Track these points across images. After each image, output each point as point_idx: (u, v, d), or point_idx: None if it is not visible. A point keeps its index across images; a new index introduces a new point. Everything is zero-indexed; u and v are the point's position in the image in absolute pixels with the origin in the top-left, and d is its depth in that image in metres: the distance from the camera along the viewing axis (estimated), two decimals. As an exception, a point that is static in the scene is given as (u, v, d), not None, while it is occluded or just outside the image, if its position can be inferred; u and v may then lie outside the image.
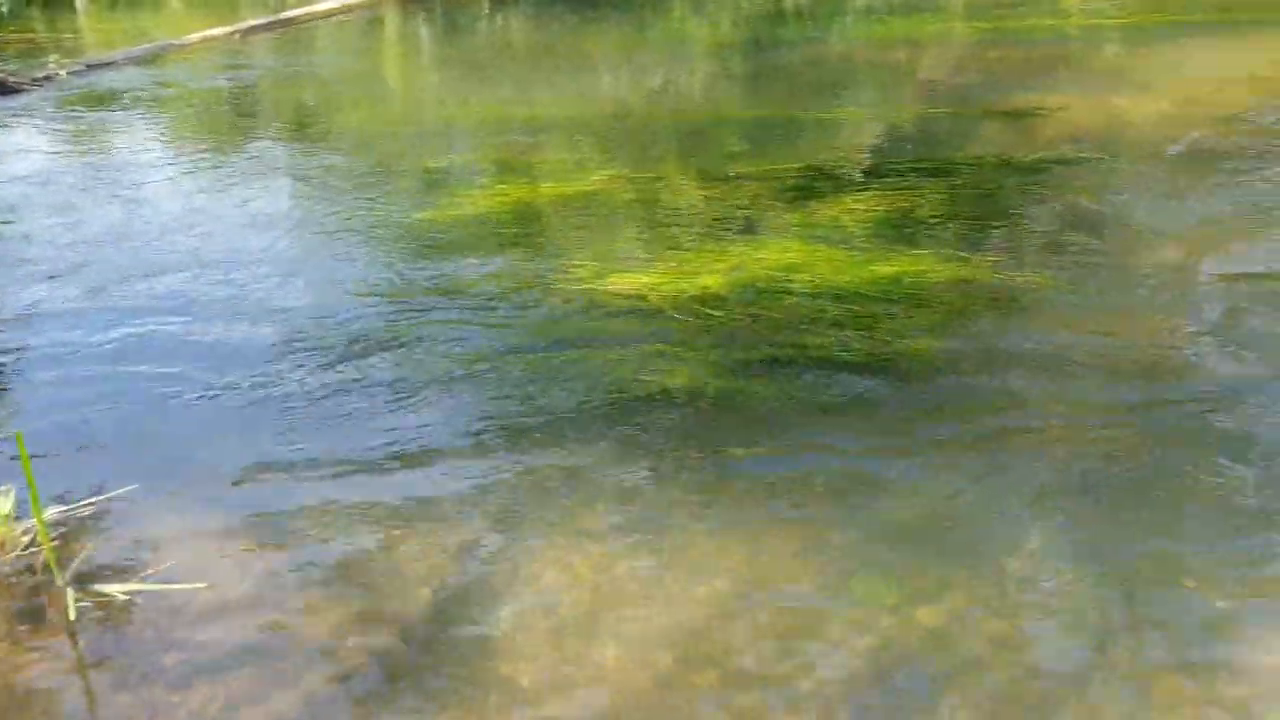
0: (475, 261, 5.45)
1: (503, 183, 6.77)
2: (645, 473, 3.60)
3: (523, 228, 5.97)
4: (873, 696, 2.67)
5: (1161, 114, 7.56)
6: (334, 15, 14.34)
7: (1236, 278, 4.79)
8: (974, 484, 3.44)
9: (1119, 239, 5.38)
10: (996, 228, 5.62)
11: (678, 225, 5.86)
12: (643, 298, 4.83)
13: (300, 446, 3.81)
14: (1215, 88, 8.10)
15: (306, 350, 4.51)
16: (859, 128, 7.93)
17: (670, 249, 5.46)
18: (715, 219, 5.89)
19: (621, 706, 2.68)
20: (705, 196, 6.29)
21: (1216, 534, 3.15)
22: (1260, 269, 4.89)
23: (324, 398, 4.13)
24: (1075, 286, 4.82)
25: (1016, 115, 7.69)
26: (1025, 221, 5.74)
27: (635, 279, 5.03)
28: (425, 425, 3.92)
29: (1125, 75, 9.10)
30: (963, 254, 5.16)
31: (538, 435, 3.83)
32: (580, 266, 5.24)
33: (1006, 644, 2.81)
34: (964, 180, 6.27)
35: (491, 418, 3.95)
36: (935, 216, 5.73)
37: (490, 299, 4.96)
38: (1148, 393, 3.93)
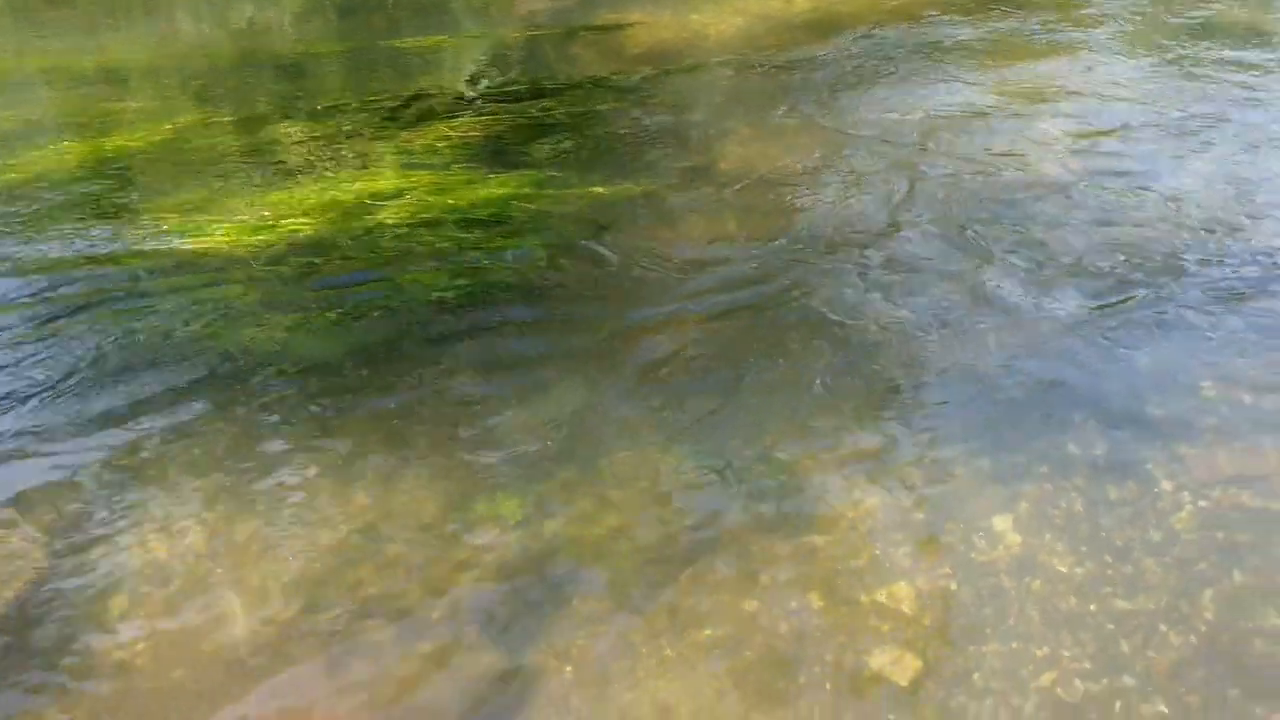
0: (48, 230, 4.93)
1: (71, 139, 6.15)
2: (259, 432, 3.45)
3: (97, 185, 5.45)
4: (504, 607, 2.74)
5: (736, 28, 8.02)
6: None
7: (825, 178, 5.19)
8: (587, 394, 3.57)
9: (706, 147, 5.68)
10: (591, 145, 5.78)
11: (271, 166, 5.58)
12: (238, 249, 4.57)
13: None
14: (784, 1, 8.70)
15: None
16: (455, 54, 7.86)
17: (264, 192, 5.20)
18: (310, 156, 5.66)
19: (244, 663, 2.60)
20: (299, 133, 6.02)
21: (803, 413, 3.46)
22: (847, 168, 5.29)
23: None
24: (668, 196, 5.05)
25: (604, 32, 7.91)
26: (617, 137, 5.93)
27: (229, 229, 4.75)
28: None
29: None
30: (558, 173, 5.28)
31: (137, 410, 3.56)
32: (165, 220, 4.88)
33: (625, 534, 2.97)
34: (558, 100, 6.38)
35: (81, 396, 3.63)
36: (531, 138, 5.81)
37: (62, 269, 4.51)
38: (742, 292, 4.21)
